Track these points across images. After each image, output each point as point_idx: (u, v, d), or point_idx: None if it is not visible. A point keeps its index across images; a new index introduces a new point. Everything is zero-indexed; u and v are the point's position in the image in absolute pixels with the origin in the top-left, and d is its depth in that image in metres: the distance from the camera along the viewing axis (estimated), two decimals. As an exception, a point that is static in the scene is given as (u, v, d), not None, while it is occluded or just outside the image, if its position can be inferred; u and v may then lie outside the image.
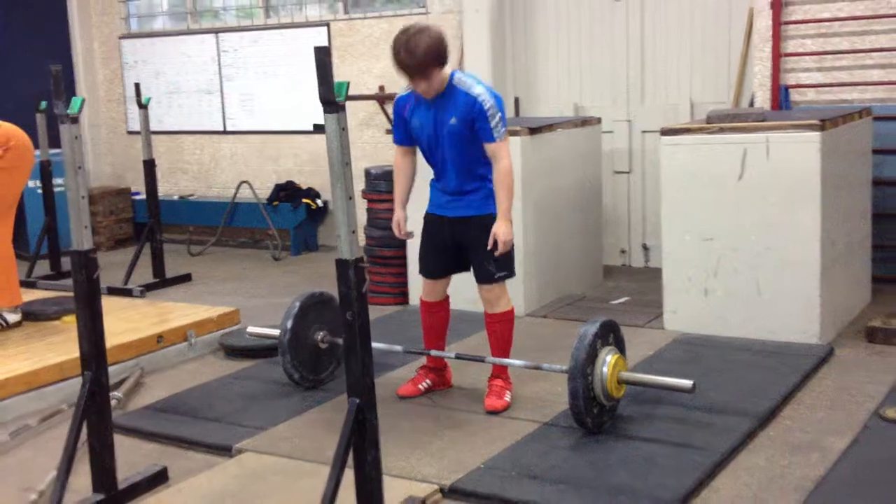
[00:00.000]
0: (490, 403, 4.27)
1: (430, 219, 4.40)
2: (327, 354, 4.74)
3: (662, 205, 5.41)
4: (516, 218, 5.71)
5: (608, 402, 3.97)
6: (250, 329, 5.08)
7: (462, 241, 4.29)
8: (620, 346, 4.12)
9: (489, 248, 4.11)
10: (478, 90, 4.05)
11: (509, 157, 4.12)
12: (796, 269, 5.03)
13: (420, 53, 3.88)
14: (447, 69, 4.06)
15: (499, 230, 4.09)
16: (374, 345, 4.52)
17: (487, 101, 4.03)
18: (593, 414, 3.91)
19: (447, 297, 4.50)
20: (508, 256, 4.28)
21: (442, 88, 4.06)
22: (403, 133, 4.31)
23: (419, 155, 4.39)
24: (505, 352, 4.34)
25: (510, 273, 4.31)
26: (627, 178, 7.23)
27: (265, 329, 5.00)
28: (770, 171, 5.02)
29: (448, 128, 4.11)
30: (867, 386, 4.47)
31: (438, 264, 4.41)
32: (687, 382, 3.95)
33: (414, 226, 4.45)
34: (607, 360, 3.93)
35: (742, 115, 5.25)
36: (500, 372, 4.37)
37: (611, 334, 4.07)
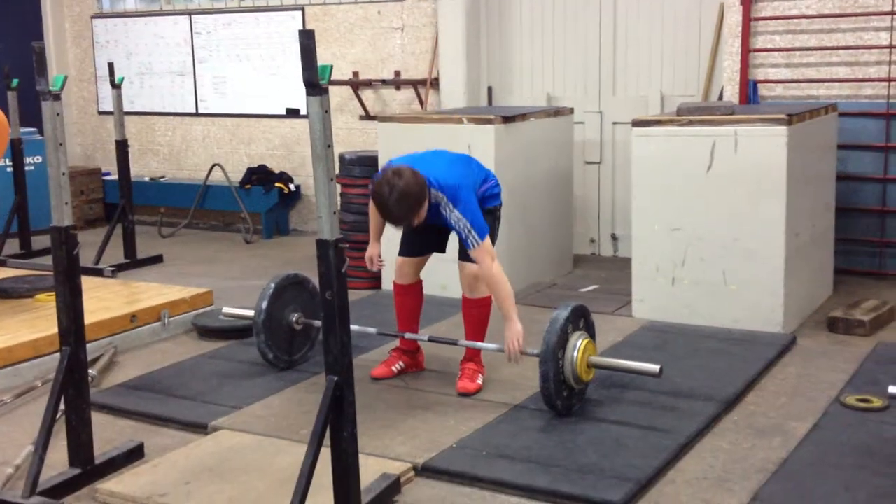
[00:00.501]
0: (462, 386, 4.35)
1: None
2: (301, 336, 4.80)
3: (632, 195, 5.51)
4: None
5: (578, 386, 4.06)
6: (225, 310, 5.11)
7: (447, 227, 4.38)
8: (591, 332, 4.22)
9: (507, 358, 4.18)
10: (446, 211, 4.10)
11: (491, 259, 4.11)
12: (761, 260, 5.15)
13: (406, 213, 4.02)
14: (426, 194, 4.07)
15: (506, 332, 4.13)
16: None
17: (453, 217, 4.09)
18: (563, 397, 4.00)
19: (420, 281, 4.57)
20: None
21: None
22: None
23: None
24: (480, 336, 4.41)
25: None
26: (598, 168, 7.33)
27: (240, 310, 5.03)
28: (738, 163, 5.13)
29: (437, 226, 4.26)
30: (828, 374, 4.60)
31: (423, 243, 4.48)
32: (654, 367, 4.05)
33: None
34: (578, 344, 4.02)
35: (711, 109, 5.36)
36: (472, 355, 4.45)
37: (581, 319, 4.16)
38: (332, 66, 2.87)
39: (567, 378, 4.00)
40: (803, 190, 5.34)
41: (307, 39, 2.82)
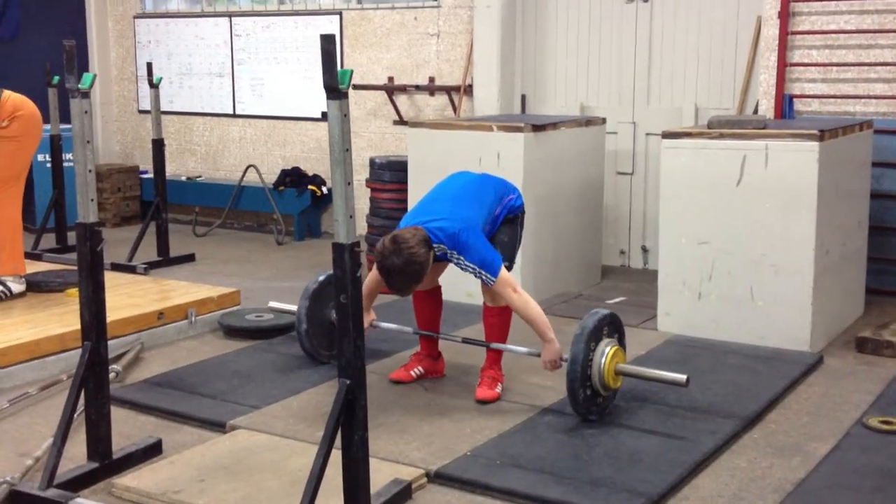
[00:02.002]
0: (481, 393, 4.34)
1: None
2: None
3: (661, 207, 5.47)
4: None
5: (604, 392, 4.04)
6: (271, 304, 5.27)
7: None
8: (622, 341, 4.22)
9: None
10: (453, 259, 4.13)
11: (513, 290, 4.14)
12: (789, 277, 5.09)
13: (410, 285, 4.03)
14: (431, 259, 4.06)
15: (546, 353, 4.18)
16: (386, 325, 4.64)
17: (462, 265, 4.13)
18: (587, 396, 3.99)
19: (439, 287, 4.57)
20: (511, 247, 4.39)
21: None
22: None
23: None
24: (501, 341, 4.40)
25: (510, 264, 4.38)
26: (630, 179, 7.29)
27: (285, 305, 5.14)
28: (768, 178, 5.08)
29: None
30: (853, 395, 4.53)
31: None
32: (681, 376, 4.04)
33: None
34: (607, 350, 4.03)
35: (743, 122, 5.32)
36: (493, 363, 4.44)
37: (615, 329, 4.18)
38: (352, 71, 2.90)
39: (594, 381, 3.99)
40: (835, 207, 5.27)
41: (327, 44, 2.85)
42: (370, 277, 4.44)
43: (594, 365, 4.00)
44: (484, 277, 4.11)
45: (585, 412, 4.03)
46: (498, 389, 4.38)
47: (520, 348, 4.35)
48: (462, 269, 4.14)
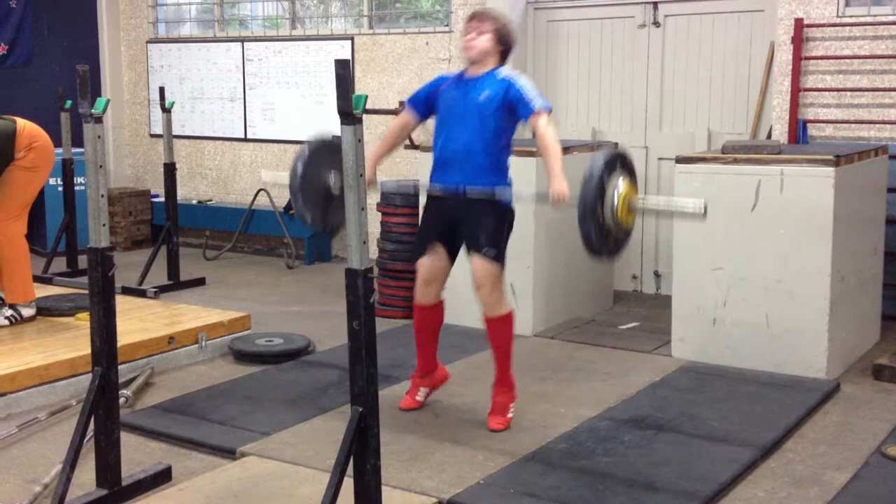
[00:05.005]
0: (493, 423, 4.29)
1: (429, 199, 4.44)
2: (339, 204, 4.34)
3: (674, 232, 5.44)
4: (527, 240, 5.79)
5: (616, 230, 3.92)
6: (263, 173, 4.89)
7: (459, 216, 4.29)
8: (633, 179, 3.99)
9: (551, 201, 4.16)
10: (513, 74, 4.27)
11: (548, 122, 4.19)
12: (805, 303, 5.04)
13: (493, 14, 4.31)
14: (494, 58, 4.29)
15: (554, 188, 4.10)
16: (386, 179, 4.46)
17: (521, 80, 4.23)
18: (599, 234, 3.89)
19: (441, 302, 4.47)
20: (499, 241, 4.28)
21: (483, 65, 4.29)
22: (423, 101, 4.45)
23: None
24: (507, 359, 4.33)
25: (500, 255, 4.26)
26: (642, 204, 7.25)
27: (279, 173, 4.72)
28: (783, 203, 5.04)
29: (476, 104, 4.23)
30: (871, 423, 4.47)
31: (433, 235, 4.38)
32: (699, 202, 3.99)
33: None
34: (620, 184, 3.86)
35: (758, 147, 5.29)
36: (503, 388, 4.38)
37: (626, 167, 3.97)
38: (366, 96, 2.88)
39: (606, 218, 3.86)
40: (850, 233, 5.22)
41: (342, 69, 2.83)
42: (392, 127, 4.52)
43: (607, 200, 3.81)
44: (534, 102, 4.15)
45: (600, 251, 3.89)
46: (510, 415, 4.33)
47: (525, 192, 4.26)
48: (516, 90, 4.17)
